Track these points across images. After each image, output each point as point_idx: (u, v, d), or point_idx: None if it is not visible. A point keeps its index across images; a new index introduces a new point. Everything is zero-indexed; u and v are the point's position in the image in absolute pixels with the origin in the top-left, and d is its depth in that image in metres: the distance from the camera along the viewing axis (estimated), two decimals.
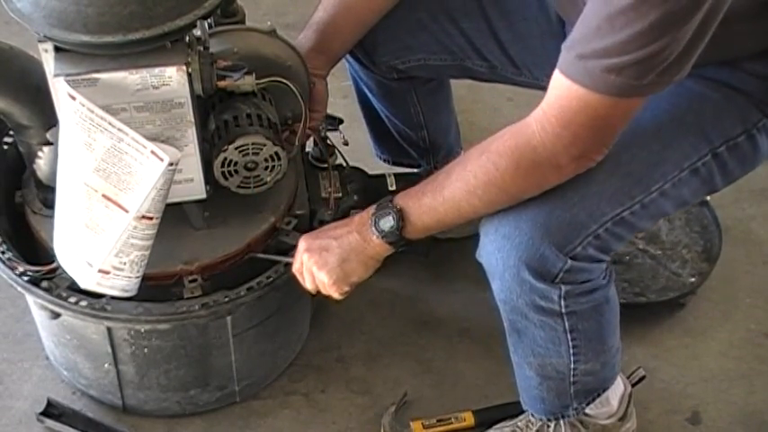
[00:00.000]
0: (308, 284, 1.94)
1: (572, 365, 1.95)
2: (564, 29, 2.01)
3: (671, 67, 1.54)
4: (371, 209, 1.84)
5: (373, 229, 1.82)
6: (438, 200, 1.77)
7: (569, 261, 1.76)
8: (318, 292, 1.96)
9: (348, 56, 2.24)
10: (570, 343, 1.90)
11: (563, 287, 1.80)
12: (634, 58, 1.51)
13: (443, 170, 1.79)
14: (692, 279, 2.51)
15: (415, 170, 2.52)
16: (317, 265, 1.88)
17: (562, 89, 1.59)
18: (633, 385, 2.19)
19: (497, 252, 1.79)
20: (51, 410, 2.21)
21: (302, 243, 1.92)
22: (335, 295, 1.92)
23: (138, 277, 1.89)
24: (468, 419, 2.25)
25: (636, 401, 2.18)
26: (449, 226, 1.81)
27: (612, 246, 1.82)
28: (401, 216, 1.79)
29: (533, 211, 1.75)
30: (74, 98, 1.70)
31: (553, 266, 1.76)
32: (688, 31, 1.51)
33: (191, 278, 2.00)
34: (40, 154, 1.98)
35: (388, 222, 1.80)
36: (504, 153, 1.67)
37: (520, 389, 2.08)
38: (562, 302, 1.82)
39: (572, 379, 1.97)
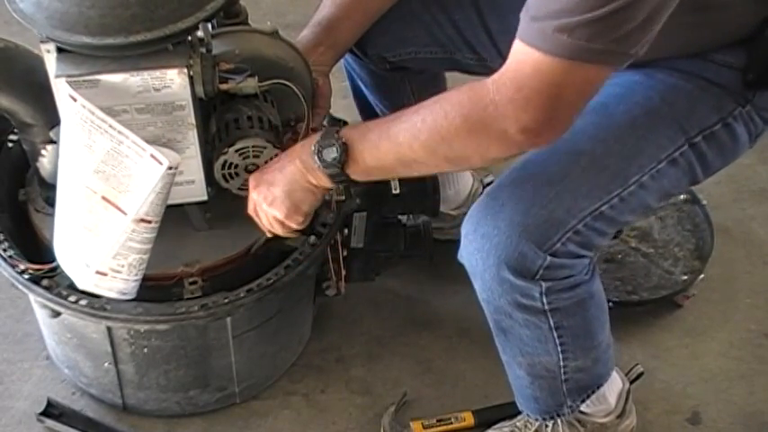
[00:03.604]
0: (264, 223, 1.91)
1: (561, 363, 1.95)
2: None
3: (626, 39, 1.50)
4: (316, 136, 1.78)
5: (315, 158, 1.76)
6: (382, 137, 1.72)
7: (548, 258, 1.76)
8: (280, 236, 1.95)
9: None
10: (557, 340, 1.90)
11: (543, 284, 1.80)
12: (586, 18, 1.47)
13: (398, 112, 1.75)
14: (685, 277, 2.51)
15: None
16: (266, 202, 1.86)
17: (518, 53, 1.56)
18: (631, 382, 2.19)
19: (477, 252, 1.79)
20: (51, 410, 2.21)
21: (251, 180, 1.89)
22: (294, 226, 1.89)
23: (136, 280, 1.89)
24: (468, 419, 2.25)
25: (636, 401, 2.18)
26: (389, 171, 1.78)
27: (594, 241, 1.82)
28: (345, 149, 1.74)
29: (511, 209, 1.75)
30: (75, 99, 1.70)
31: (532, 264, 1.76)
32: (645, 4, 1.48)
33: (191, 280, 2.00)
34: (43, 152, 1.98)
35: (331, 153, 1.75)
36: (457, 104, 1.64)
37: (513, 389, 2.08)
38: (544, 299, 1.82)
39: (563, 377, 1.98)
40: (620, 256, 2.55)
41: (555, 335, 1.89)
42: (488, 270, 1.78)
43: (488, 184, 2.65)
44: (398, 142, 1.69)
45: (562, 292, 1.83)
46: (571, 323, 1.89)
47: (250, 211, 1.92)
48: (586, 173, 1.76)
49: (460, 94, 1.64)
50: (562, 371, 1.96)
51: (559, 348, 1.92)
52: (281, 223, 1.88)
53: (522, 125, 1.58)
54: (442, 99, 1.67)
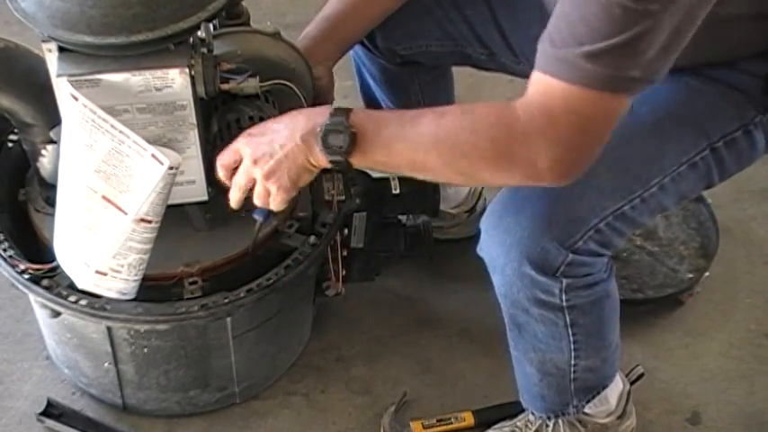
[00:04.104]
0: (241, 180, 1.76)
1: (572, 361, 1.95)
2: None
3: (651, 63, 1.50)
4: (322, 116, 1.68)
5: (320, 140, 1.66)
6: (398, 137, 1.65)
7: (570, 255, 1.76)
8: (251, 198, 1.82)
9: None
10: (571, 338, 1.91)
11: (564, 280, 1.80)
12: (610, 44, 1.46)
13: (417, 110, 1.69)
14: (690, 275, 2.51)
15: None
16: (263, 173, 1.71)
17: (543, 85, 1.54)
18: (632, 383, 2.19)
19: (498, 246, 1.79)
20: (51, 410, 2.21)
21: (241, 140, 1.75)
22: (286, 199, 1.77)
23: (136, 281, 1.88)
24: (468, 419, 2.25)
25: (636, 401, 2.18)
26: (394, 169, 1.75)
27: (613, 240, 1.82)
28: (353, 140, 1.64)
29: (534, 205, 1.75)
30: (76, 99, 1.70)
31: (554, 260, 1.76)
32: (666, 23, 1.47)
33: (191, 280, 2.00)
34: (43, 152, 1.97)
35: (336, 140, 1.65)
36: (486, 124, 1.60)
37: (520, 387, 2.08)
38: (563, 296, 1.83)
39: (572, 375, 1.98)
40: (625, 255, 2.55)
41: (570, 332, 1.90)
42: (509, 264, 1.79)
43: None
44: (414, 147, 1.64)
45: (581, 290, 1.84)
46: (586, 321, 1.89)
47: (223, 162, 1.77)
48: (610, 172, 1.75)
49: (488, 114, 1.61)
50: (572, 369, 1.97)
51: (572, 346, 1.92)
52: (268, 195, 1.76)
53: (552, 161, 1.57)
54: (469, 113, 1.62)
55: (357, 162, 1.68)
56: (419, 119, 1.65)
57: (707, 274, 2.52)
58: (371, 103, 2.45)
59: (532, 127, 1.55)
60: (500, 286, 1.86)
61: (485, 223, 1.82)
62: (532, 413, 2.11)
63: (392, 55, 2.24)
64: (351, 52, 2.32)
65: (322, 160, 1.69)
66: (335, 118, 1.66)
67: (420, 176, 1.71)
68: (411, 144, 1.64)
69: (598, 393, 2.06)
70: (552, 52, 1.52)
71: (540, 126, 1.55)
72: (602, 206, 1.76)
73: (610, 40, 1.46)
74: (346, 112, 1.66)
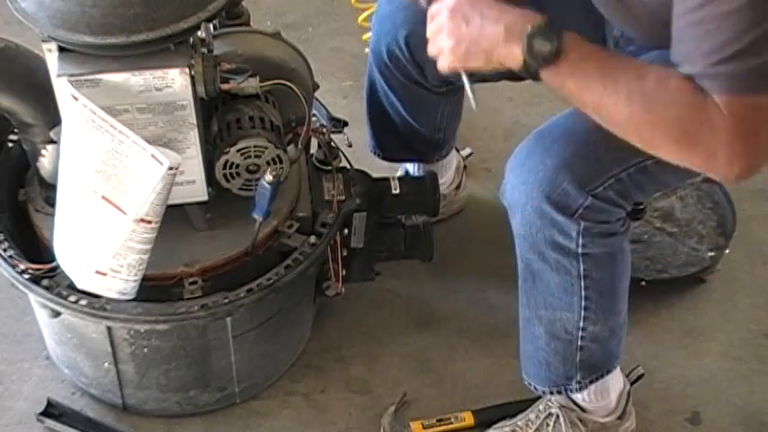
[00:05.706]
0: (433, 45, 1.75)
1: (581, 324, 1.97)
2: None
3: None
4: (537, 18, 1.62)
5: (525, 39, 1.61)
6: (599, 74, 1.62)
7: (590, 198, 1.80)
8: None
9: (387, 66, 2.25)
10: (583, 293, 1.93)
11: (582, 223, 1.83)
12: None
13: (621, 60, 1.69)
14: (711, 253, 2.55)
15: (419, 173, 2.53)
16: (447, 30, 1.69)
17: (733, 105, 1.56)
18: (632, 384, 2.20)
19: (522, 185, 1.84)
20: (51, 410, 2.21)
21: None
22: (446, 67, 1.73)
23: (135, 281, 1.89)
24: (468, 419, 2.25)
25: (636, 401, 2.19)
26: (574, 102, 1.69)
27: (633, 193, 1.86)
28: (557, 55, 1.61)
29: (560, 148, 1.80)
30: (76, 99, 1.70)
31: (574, 202, 1.81)
32: None
33: (191, 280, 2.00)
34: (43, 152, 1.97)
35: (542, 47, 1.61)
36: (681, 102, 1.59)
37: (524, 357, 2.10)
38: (580, 240, 1.85)
39: (579, 343, 1.99)
40: (645, 237, 2.59)
41: (582, 285, 1.92)
42: (531, 202, 1.83)
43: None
44: (608, 94, 1.61)
45: (597, 238, 1.86)
46: (599, 276, 1.92)
47: (432, 11, 1.74)
48: None
49: (683, 92, 1.59)
50: (580, 335, 1.98)
51: (583, 303, 1.94)
52: (442, 52, 1.73)
53: (731, 156, 1.57)
54: (664, 82, 1.60)
55: (545, 77, 1.64)
56: (622, 71, 1.62)
57: (727, 251, 2.55)
58: (379, 115, 2.43)
59: (723, 123, 1.56)
60: (520, 227, 1.89)
61: (510, 164, 1.87)
62: (536, 387, 2.11)
63: (441, 83, 2.26)
64: (369, 72, 2.33)
65: (511, 58, 1.64)
66: (549, 27, 1.61)
67: (599, 121, 1.68)
68: (606, 90, 1.62)
69: (602, 377, 2.06)
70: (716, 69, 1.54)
71: (729, 126, 1.55)
72: (625, 157, 1.79)
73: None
74: (560, 30, 1.62)
